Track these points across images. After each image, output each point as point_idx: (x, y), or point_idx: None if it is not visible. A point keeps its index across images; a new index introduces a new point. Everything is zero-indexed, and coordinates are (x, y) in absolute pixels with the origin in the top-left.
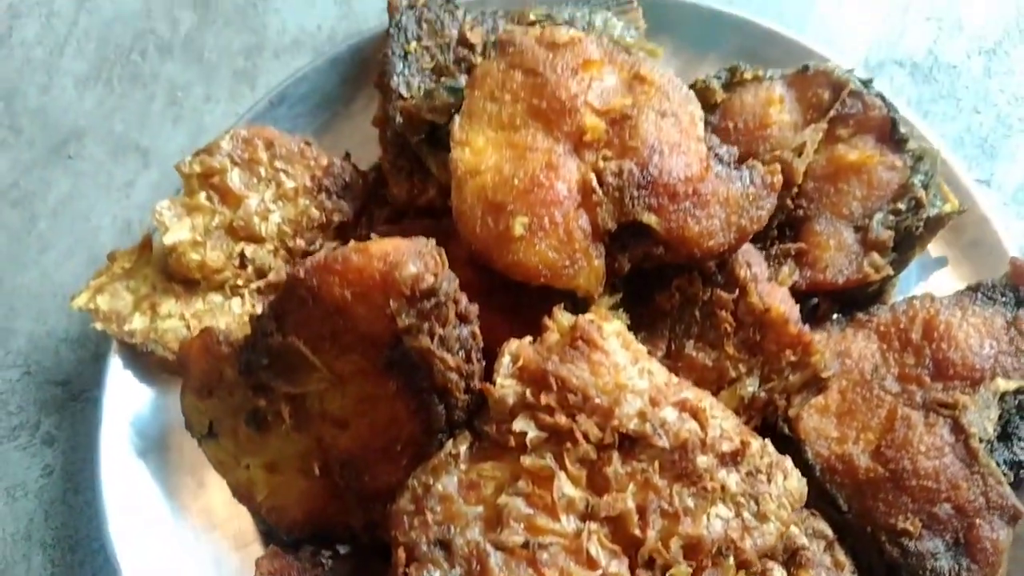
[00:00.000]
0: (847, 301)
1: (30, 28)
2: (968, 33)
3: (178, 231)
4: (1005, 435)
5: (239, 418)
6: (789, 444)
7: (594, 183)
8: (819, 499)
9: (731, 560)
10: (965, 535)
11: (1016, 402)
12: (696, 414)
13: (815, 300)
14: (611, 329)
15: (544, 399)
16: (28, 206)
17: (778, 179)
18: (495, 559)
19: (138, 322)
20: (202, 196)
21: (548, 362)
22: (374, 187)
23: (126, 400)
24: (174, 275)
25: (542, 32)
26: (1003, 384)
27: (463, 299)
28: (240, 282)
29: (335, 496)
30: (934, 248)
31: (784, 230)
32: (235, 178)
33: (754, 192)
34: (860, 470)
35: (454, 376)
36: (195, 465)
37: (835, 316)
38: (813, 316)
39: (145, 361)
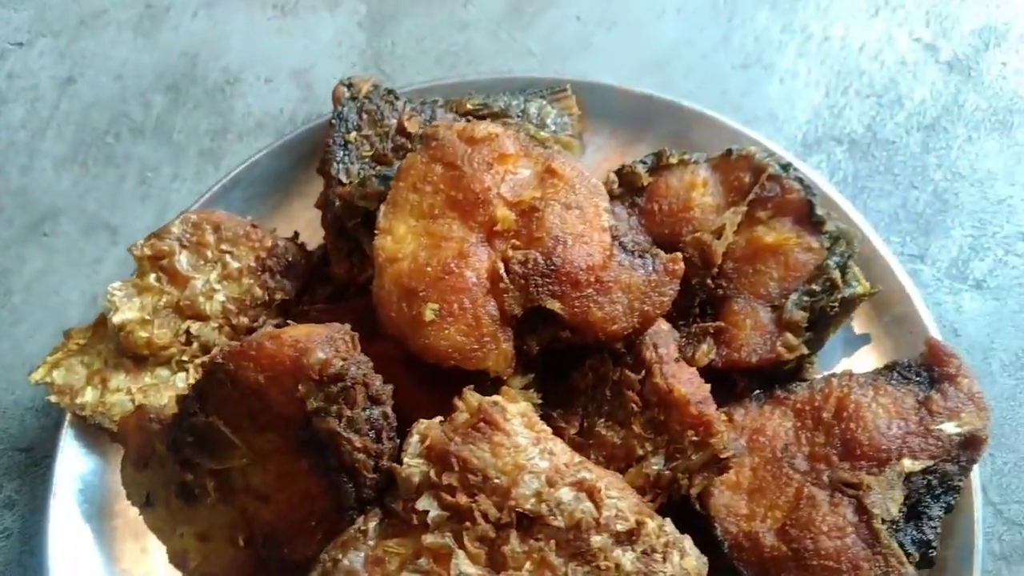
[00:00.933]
0: (766, 378)
1: (16, 113)
2: (907, 109)
3: (127, 311)
4: (915, 514)
5: (170, 490)
6: (700, 520)
7: (502, 271)
8: (727, 574)
9: None
10: None
11: (925, 482)
12: (592, 494)
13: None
14: (515, 410)
15: (446, 479)
16: (4, 281)
17: (680, 267)
18: None
19: (89, 395)
20: (152, 277)
21: (451, 443)
22: (319, 265)
23: (77, 468)
24: (124, 351)
25: (463, 128)
26: (909, 465)
27: (376, 381)
28: (186, 357)
29: (260, 566)
30: (858, 324)
31: (705, 309)
32: (183, 261)
33: (656, 279)
34: (765, 548)
35: (361, 456)
36: (138, 531)
37: (756, 393)
38: (734, 393)
39: (95, 432)
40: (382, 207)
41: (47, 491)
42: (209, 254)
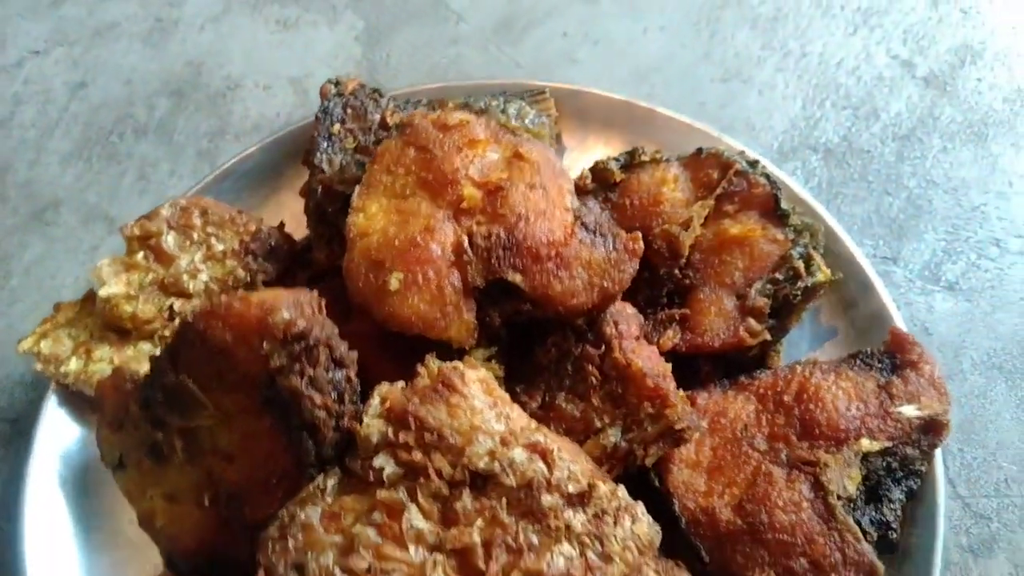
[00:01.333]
0: (731, 365)
1: (28, 113)
2: (883, 121)
3: (114, 285)
4: (875, 496)
5: (142, 451)
6: (659, 496)
7: (466, 245)
8: (686, 550)
9: None
10: None
11: (884, 463)
12: (545, 456)
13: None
14: (474, 376)
15: (403, 437)
16: (4, 265)
17: (639, 246)
18: None
19: (73, 364)
20: (139, 256)
21: (410, 403)
22: (302, 252)
23: (58, 434)
24: (109, 325)
25: (437, 116)
26: (867, 445)
27: (341, 346)
28: (167, 332)
29: (224, 527)
30: (826, 320)
31: (672, 298)
32: (170, 241)
33: (616, 257)
34: (722, 523)
35: (322, 414)
36: (113, 497)
37: (722, 381)
38: (698, 379)
39: (78, 401)
40: (356, 188)
41: (28, 456)
42: (195, 236)
